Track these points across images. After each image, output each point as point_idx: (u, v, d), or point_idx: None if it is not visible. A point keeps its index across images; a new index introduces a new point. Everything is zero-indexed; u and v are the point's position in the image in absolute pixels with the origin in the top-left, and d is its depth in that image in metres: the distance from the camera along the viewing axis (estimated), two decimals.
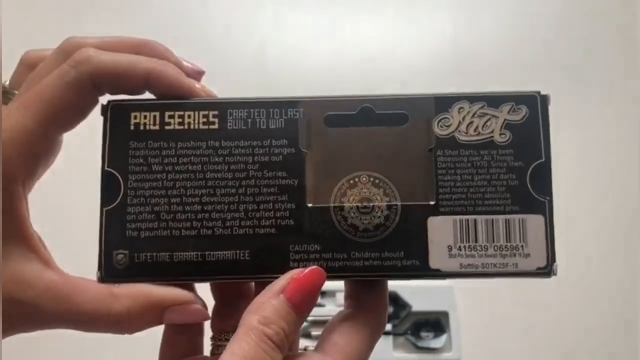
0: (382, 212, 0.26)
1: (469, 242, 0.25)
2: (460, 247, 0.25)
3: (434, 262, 0.25)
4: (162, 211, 0.26)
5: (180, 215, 0.26)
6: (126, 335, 0.25)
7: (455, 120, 0.26)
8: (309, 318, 0.66)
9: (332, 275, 0.25)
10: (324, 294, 0.68)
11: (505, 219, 0.26)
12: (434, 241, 0.25)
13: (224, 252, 0.25)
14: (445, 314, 0.68)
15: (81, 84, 0.24)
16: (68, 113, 0.25)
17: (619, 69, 0.77)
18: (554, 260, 0.25)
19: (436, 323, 0.67)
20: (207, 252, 0.25)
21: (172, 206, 0.26)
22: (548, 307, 0.69)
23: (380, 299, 0.27)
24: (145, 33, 0.28)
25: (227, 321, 0.27)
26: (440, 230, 0.26)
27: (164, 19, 0.79)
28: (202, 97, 0.27)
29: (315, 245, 0.26)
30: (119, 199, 0.26)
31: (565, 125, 0.64)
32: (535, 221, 0.26)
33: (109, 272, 0.25)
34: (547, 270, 0.25)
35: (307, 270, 0.24)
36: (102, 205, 0.26)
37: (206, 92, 0.27)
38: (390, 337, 0.66)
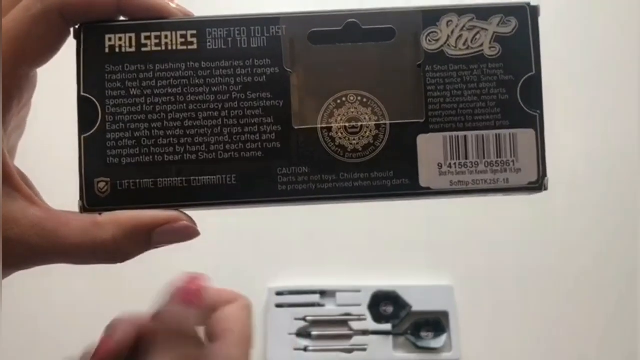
0: (370, 131, 0.25)
1: (459, 159, 0.25)
2: (450, 164, 0.25)
3: (424, 181, 0.25)
4: (143, 137, 0.25)
5: (162, 140, 0.25)
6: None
7: (444, 34, 0.25)
8: (309, 318, 0.66)
9: (322, 197, 0.25)
10: (324, 293, 0.67)
11: (496, 134, 0.25)
12: (424, 159, 0.25)
13: (210, 177, 0.25)
14: (445, 314, 0.68)
15: (48, 16, 0.23)
16: (37, 48, 0.23)
17: None
18: (545, 174, 0.25)
19: (436, 323, 0.67)
20: (192, 178, 0.25)
21: (153, 131, 0.25)
22: (548, 307, 0.69)
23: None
24: None
25: None
26: (430, 148, 0.25)
27: None
28: (179, 17, 0.25)
29: (304, 168, 0.25)
30: (97, 126, 0.25)
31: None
32: (526, 135, 0.25)
33: (91, 201, 0.25)
34: (538, 184, 0.25)
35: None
36: (80, 132, 0.25)
37: (182, 12, 0.26)
38: (390, 337, 0.66)
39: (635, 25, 0.72)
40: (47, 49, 0.24)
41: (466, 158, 0.25)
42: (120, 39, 0.25)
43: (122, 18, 0.25)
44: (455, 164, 0.25)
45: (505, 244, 0.70)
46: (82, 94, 0.25)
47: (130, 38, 0.25)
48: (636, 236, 0.69)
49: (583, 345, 0.68)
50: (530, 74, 0.25)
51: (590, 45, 0.73)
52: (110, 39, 0.25)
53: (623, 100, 0.71)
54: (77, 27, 0.25)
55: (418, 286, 0.68)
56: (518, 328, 0.69)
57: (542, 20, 0.26)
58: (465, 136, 0.25)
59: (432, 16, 0.25)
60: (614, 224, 0.70)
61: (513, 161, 0.25)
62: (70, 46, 0.25)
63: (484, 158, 0.25)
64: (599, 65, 0.72)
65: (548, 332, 0.69)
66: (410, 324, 0.67)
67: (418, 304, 0.67)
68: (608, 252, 0.70)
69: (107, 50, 0.25)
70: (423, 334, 0.67)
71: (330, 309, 0.67)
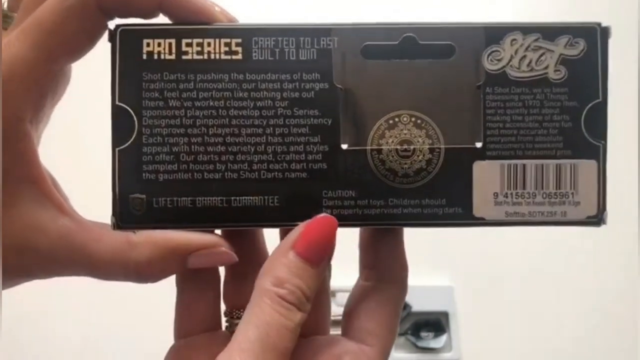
0: (423, 155, 0.24)
1: (516, 188, 0.24)
2: (507, 194, 0.24)
3: (478, 210, 0.24)
4: (182, 152, 0.23)
5: (203, 156, 0.23)
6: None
7: (507, 53, 0.24)
8: None
9: (369, 223, 0.24)
10: None
11: (557, 164, 0.24)
12: (479, 187, 0.24)
13: (251, 198, 0.23)
14: (445, 314, 0.67)
15: (84, 8, 0.21)
16: (72, 41, 0.22)
17: None
18: (604, 208, 0.24)
19: (436, 323, 0.67)
20: (232, 198, 0.23)
21: (192, 147, 0.23)
22: (548, 307, 0.69)
23: (402, 266, 0.25)
24: None
25: (241, 293, 0.25)
26: (487, 176, 0.24)
27: None
28: (223, 23, 0.23)
29: (350, 192, 0.23)
30: (132, 138, 0.23)
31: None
32: (587, 167, 0.24)
33: (125, 218, 0.23)
34: (597, 219, 0.24)
35: (313, 219, 0.23)
36: (114, 144, 0.23)
37: (227, 17, 0.24)
38: None
39: None
40: (84, 43, 0.22)
41: (524, 188, 0.24)
42: (159, 44, 0.23)
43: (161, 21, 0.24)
44: (512, 193, 0.24)
45: (505, 244, 0.69)
46: (117, 103, 0.23)
47: (170, 44, 0.23)
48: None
49: (583, 345, 0.69)
50: (596, 101, 0.24)
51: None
52: (148, 44, 0.23)
53: None
54: (112, 29, 0.23)
55: (418, 286, 0.67)
56: (518, 328, 0.69)
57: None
58: (524, 165, 0.24)
59: (495, 34, 0.24)
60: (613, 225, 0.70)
61: (572, 193, 0.24)
62: (103, 49, 0.23)
63: (542, 189, 0.24)
64: None
65: (548, 332, 0.69)
66: (410, 324, 0.67)
67: (418, 304, 0.67)
68: (608, 252, 0.70)
69: (144, 57, 0.23)
70: (423, 334, 0.67)
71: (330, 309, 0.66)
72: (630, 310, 0.68)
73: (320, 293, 0.25)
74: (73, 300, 0.67)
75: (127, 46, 0.23)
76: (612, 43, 0.24)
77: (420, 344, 0.66)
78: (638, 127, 0.66)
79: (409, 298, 0.69)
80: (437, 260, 0.70)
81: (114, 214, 0.23)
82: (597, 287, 0.69)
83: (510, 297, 0.69)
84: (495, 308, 0.69)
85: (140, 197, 0.23)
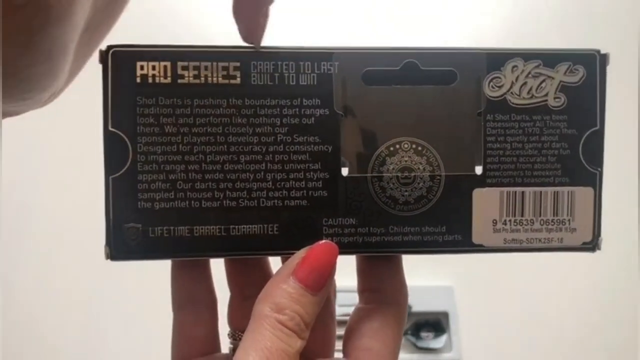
0: (424, 183, 0.23)
1: (515, 216, 0.24)
2: (505, 221, 0.24)
3: (478, 237, 0.24)
4: (179, 179, 0.22)
5: (200, 184, 0.23)
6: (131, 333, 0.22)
7: (508, 80, 0.24)
8: None
9: (369, 251, 0.23)
10: None
11: (554, 192, 0.24)
12: (479, 215, 0.24)
13: (250, 226, 0.23)
14: (445, 314, 0.67)
15: None
16: None
17: None
18: (599, 234, 0.24)
19: (436, 323, 0.67)
20: (231, 226, 0.23)
21: (189, 174, 0.23)
22: (548, 307, 0.69)
23: (403, 288, 0.25)
24: None
25: (245, 316, 0.25)
26: (486, 203, 0.24)
27: None
28: (221, 45, 0.23)
29: (351, 219, 0.23)
30: (127, 166, 0.22)
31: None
32: (584, 194, 0.24)
33: (119, 248, 0.22)
34: (591, 245, 0.24)
35: (315, 245, 0.22)
36: (108, 172, 0.22)
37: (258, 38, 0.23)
38: None
39: None
40: None
41: (522, 215, 0.24)
42: (153, 67, 0.22)
43: (155, 42, 0.23)
44: (510, 220, 0.24)
45: None
46: (110, 129, 0.22)
47: (165, 67, 0.22)
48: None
49: (583, 345, 0.69)
50: (594, 129, 0.24)
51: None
52: (142, 67, 0.22)
53: None
54: (103, 49, 0.22)
55: (418, 286, 0.67)
56: (518, 328, 0.69)
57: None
58: (523, 192, 0.24)
59: (496, 60, 0.23)
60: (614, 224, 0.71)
61: (569, 220, 0.24)
62: (94, 72, 0.22)
63: (540, 216, 0.24)
64: None
65: (548, 332, 0.69)
66: (411, 324, 0.67)
67: (418, 304, 0.67)
68: (608, 252, 0.70)
69: (138, 80, 0.22)
70: (423, 334, 0.67)
71: None
72: (630, 310, 0.69)
73: (325, 316, 0.25)
74: (74, 300, 0.66)
75: (119, 69, 0.22)
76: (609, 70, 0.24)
77: (421, 344, 0.66)
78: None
79: (410, 298, 0.68)
80: (437, 260, 0.69)
81: (108, 243, 0.22)
82: (597, 287, 0.70)
83: (510, 298, 0.69)
84: (495, 308, 0.69)
85: (136, 226, 0.22)
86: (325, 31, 0.68)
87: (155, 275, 0.30)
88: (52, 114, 0.22)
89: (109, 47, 0.22)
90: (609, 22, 0.72)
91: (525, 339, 0.69)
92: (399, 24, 0.70)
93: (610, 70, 0.24)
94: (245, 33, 0.23)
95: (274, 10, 0.23)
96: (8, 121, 0.19)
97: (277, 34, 0.25)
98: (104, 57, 0.22)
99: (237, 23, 0.22)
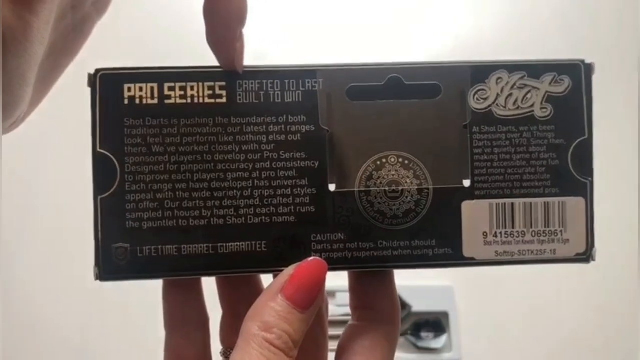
0: (412, 196, 0.23)
1: (505, 228, 0.23)
2: (496, 233, 0.23)
3: (468, 251, 0.23)
4: (167, 199, 0.23)
5: (188, 203, 0.23)
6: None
7: (493, 92, 0.24)
8: None
9: (359, 266, 0.23)
10: None
11: (545, 202, 0.24)
12: (469, 227, 0.23)
13: (238, 244, 0.23)
14: (445, 314, 0.67)
15: None
16: None
17: None
18: (593, 245, 0.24)
19: (436, 323, 0.66)
20: (219, 244, 0.23)
21: (177, 193, 0.23)
22: (548, 307, 0.69)
23: (396, 306, 0.25)
24: None
25: (237, 334, 0.25)
26: (476, 216, 0.23)
27: None
28: (207, 65, 0.23)
29: (339, 235, 0.23)
30: (115, 186, 0.22)
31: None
32: (575, 204, 0.24)
33: (108, 268, 0.22)
34: (585, 256, 0.24)
35: (303, 262, 0.22)
36: (96, 193, 0.22)
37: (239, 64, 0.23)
38: None
39: None
40: None
41: (513, 227, 0.23)
42: (140, 89, 0.23)
43: (142, 65, 0.23)
44: (501, 233, 0.23)
45: None
46: (98, 150, 0.23)
47: (152, 88, 0.23)
48: None
49: (583, 345, 0.69)
50: (582, 138, 0.24)
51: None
52: (129, 89, 0.23)
53: None
54: (91, 73, 0.23)
55: (418, 286, 0.67)
56: (518, 328, 0.69)
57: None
58: (512, 204, 0.23)
59: (481, 72, 0.24)
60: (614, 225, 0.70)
61: (561, 231, 0.24)
62: (81, 95, 0.23)
63: (531, 227, 0.24)
64: None
65: (548, 332, 0.69)
66: (411, 324, 0.67)
67: (418, 304, 0.67)
68: (609, 252, 0.69)
69: (126, 102, 0.23)
70: (423, 334, 0.67)
71: (330, 309, 0.66)
72: (630, 310, 0.68)
73: (316, 334, 0.24)
74: (73, 301, 0.66)
75: (107, 91, 0.23)
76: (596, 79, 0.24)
77: (421, 344, 0.66)
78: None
79: (410, 298, 0.69)
80: None
81: (97, 264, 0.22)
82: (597, 287, 0.69)
83: (510, 297, 0.69)
84: (495, 308, 0.69)
85: (124, 246, 0.22)
86: (309, 48, 0.68)
87: None
88: (45, 133, 0.23)
89: (97, 71, 0.23)
90: (596, 31, 0.72)
91: (525, 339, 0.69)
92: (381, 39, 0.71)
93: (599, 78, 0.24)
94: (224, 62, 0.23)
95: (260, 28, 0.23)
96: None
97: (262, 54, 0.26)
98: (92, 80, 0.23)
99: (215, 54, 0.23)
